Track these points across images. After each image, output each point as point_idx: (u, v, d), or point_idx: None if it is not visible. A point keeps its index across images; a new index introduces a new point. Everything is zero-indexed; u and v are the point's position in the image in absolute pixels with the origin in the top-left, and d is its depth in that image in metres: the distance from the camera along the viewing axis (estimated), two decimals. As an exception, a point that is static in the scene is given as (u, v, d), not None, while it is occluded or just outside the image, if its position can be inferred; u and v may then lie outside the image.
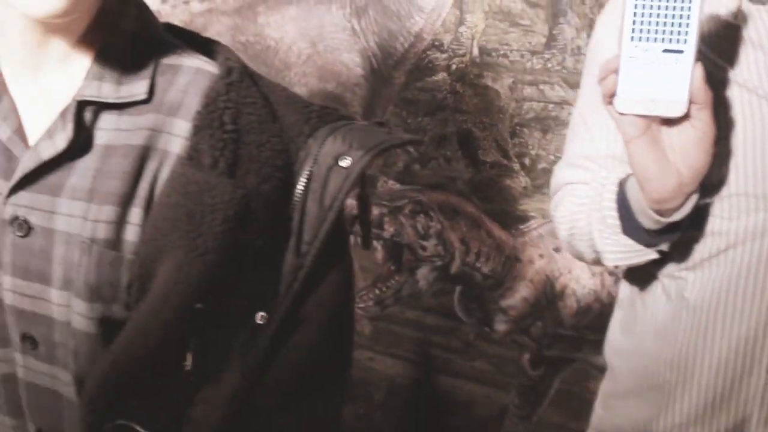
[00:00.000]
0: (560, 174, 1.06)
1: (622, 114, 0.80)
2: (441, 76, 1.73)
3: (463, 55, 1.70)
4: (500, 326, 1.84)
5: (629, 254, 0.93)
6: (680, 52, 0.78)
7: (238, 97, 0.70)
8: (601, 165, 0.99)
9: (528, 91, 1.68)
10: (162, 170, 0.71)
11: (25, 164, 0.71)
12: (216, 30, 1.89)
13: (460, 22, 1.69)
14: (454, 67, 1.71)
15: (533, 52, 1.65)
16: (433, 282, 1.86)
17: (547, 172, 1.71)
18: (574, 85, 1.65)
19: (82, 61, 0.73)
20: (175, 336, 0.69)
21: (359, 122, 0.75)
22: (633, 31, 0.78)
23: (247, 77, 0.73)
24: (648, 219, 0.87)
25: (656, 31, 0.78)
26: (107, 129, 0.72)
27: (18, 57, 0.73)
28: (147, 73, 0.72)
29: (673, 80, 0.78)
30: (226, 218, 0.67)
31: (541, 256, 1.78)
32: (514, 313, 1.82)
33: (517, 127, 1.70)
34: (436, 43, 1.71)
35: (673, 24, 0.77)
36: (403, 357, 1.96)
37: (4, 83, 0.74)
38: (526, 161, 1.71)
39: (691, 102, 0.79)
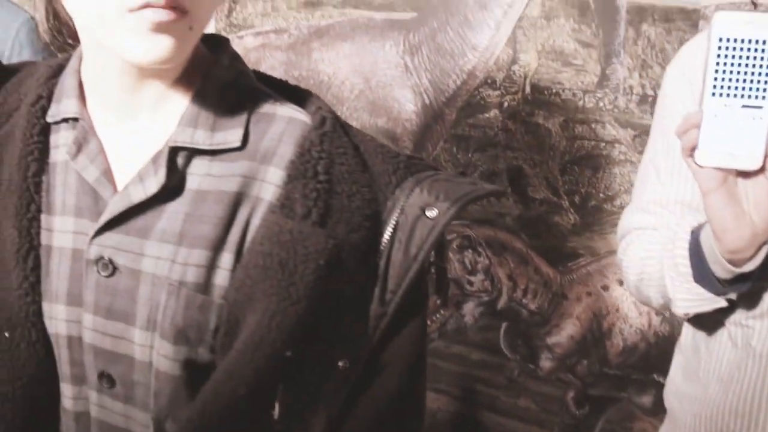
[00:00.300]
0: (629, 219, 1.08)
1: (701, 167, 0.82)
2: (493, 113, 1.75)
3: (516, 93, 1.72)
4: (545, 363, 1.83)
5: (700, 302, 0.93)
6: (759, 108, 0.81)
7: (331, 147, 0.71)
8: (670, 211, 1.00)
9: (579, 129, 1.69)
10: (254, 216, 0.71)
11: (115, 206, 0.72)
12: (269, 65, 1.92)
13: (513, 60, 1.71)
14: (506, 104, 1.73)
15: (585, 91, 1.67)
16: (479, 317, 1.86)
17: (597, 210, 1.71)
18: (626, 125, 1.66)
19: (175, 107, 0.74)
20: (265, 384, 0.69)
21: (444, 173, 0.76)
22: (714, 87, 0.82)
23: (339, 127, 0.74)
24: (721, 268, 0.88)
25: (737, 88, 0.81)
26: (198, 174, 0.72)
27: (111, 100, 0.74)
28: (241, 121, 0.73)
29: (751, 135, 0.81)
30: (318, 267, 0.68)
31: (588, 294, 1.78)
32: (560, 350, 1.82)
33: (568, 165, 1.71)
34: (489, 81, 1.73)
35: (752, 81, 0.81)
36: (446, 391, 1.96)
37: (93, 125, 0.75)
38: (576, 199, 1.72)
39: (766, 156, 0.81)
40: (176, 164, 0.72)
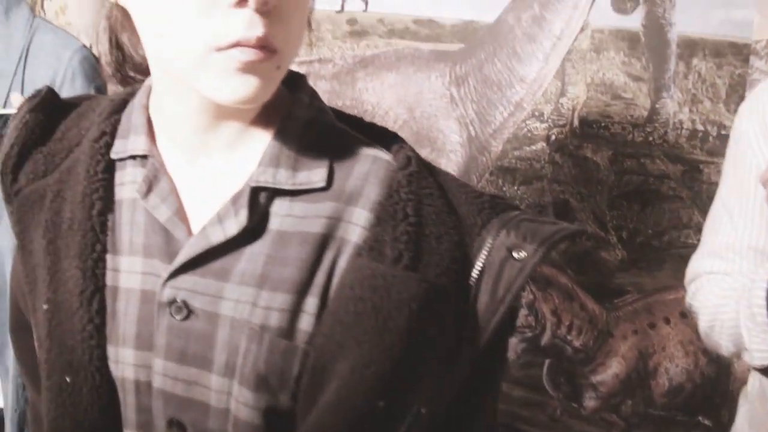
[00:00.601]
0: (699, 263, 1.07)
1: None
2: (540, 145, 1.73)
3: (564, 126, 1.70)
4: (589, 402, 1.79)
5: (778, 353, 0.91)
6: None
7: (418, 188, 0.69)
8: (744, 257, 0.99)
9: (628, 163, 1.67)
10: (340, 259, 0.68)
11: (192, 248, 0.69)
12: (313, 93, 1.92)
13: (562, 93, 1.70)
14: (553, 137, 1.72)
15: (635, 125, 1.65)
16: (521, 353, 1.82)
17: (644, 246, 1.69)
18: (675, 160, 1.64)
19: (253, 145, 0.71)
20: None
21: (527, 212, 0.74)
22: None
23: (423, 167, 0.72)
24: None
25: None
26: (280, 214, 0.70)
27: (183, 138, 0.72)
28: (323, 160, 0.71)
29: None
30: (411, 313, 0.65)
31: (634, 331, 1.74)
32: (605, 389, 1.77)
33: (616, 200, 1.69)
34: (536, 113, 1.72)
35: None
36: (485, 429, 1.91)
37: (163, 163, 0.73)
38: (624, 234, 1.69)
39: None
40: (257, 205, 0.69)
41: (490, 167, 1.78)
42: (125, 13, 0.72)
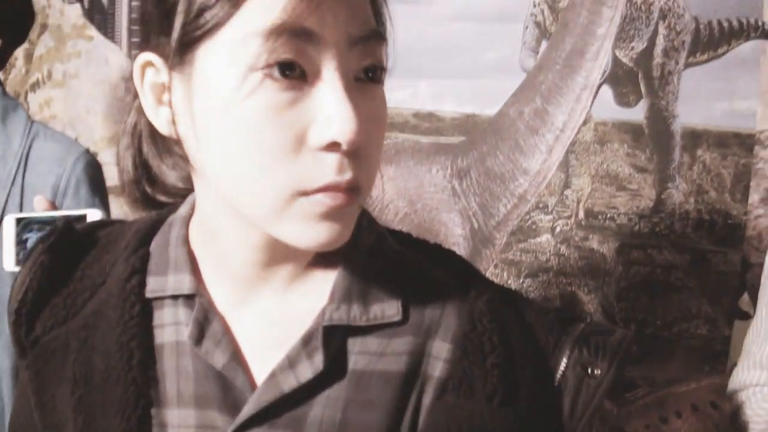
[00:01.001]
0: (746, 374, 1.07)
1: None
2: (545, 237, 1.71)
3: (569, 218, 1.69)
4: (603, 502, 1.72)
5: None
6: None
7: (500, 315, 0.65)
8: None
9: (635, 254, 1.65)
10: (425, 397, 0.63)
11: (261, 398, 0.62)
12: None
13: (566, 185, 1.69)
14: (558, 229, 1.70)
15: (641, 216, 1.64)
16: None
17: (654, 338, 1.65)
18: (682, 250, 1.62)
19: (317, 280, 0.66)
20: None
21: (590, 323, 0.70)
22: None
23: (495, 290, 0.68)
24: None
25: None
26: (354, 353, 0.64)
27: (237, 276, 0.66)
28: (395, 291, 0.65)
29: None
30: None
31: (647, 426, 1.69)
32: (619, 488, 1.71)
33: (624, 291, 1.66)
34: (540, 205, 1.70)
35: None
36: None
37: (212, 303, 0.66)
38: (633, 326, 1.66)
39: None
40: (331, 345, 0.63)
41: (495, 260, 1.75)
42: (154, 129, 0.66)
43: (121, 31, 2.31)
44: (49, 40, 2.50)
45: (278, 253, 0.64)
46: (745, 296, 1.62)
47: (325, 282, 0.65)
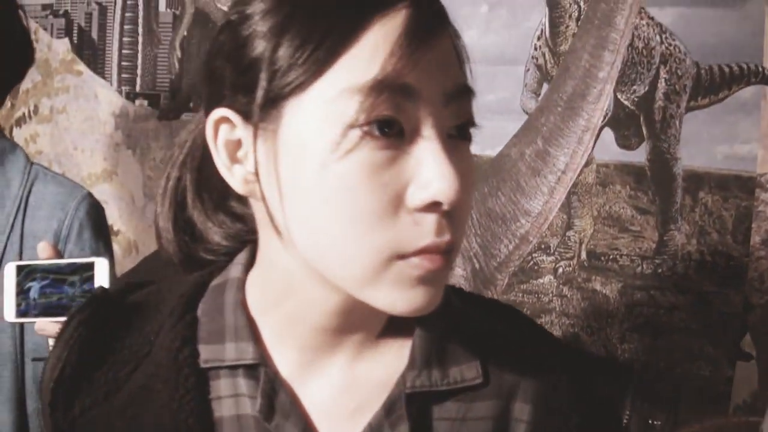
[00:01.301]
0: None
1: None
2: (547, 278, 1.71)
3: (571, 259, 1.69)
4: None
5: None
6: None
7: (576, 373, 0.64)
8: None
9: (638, 296, 1.65)
10: None
11: None
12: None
13: (568, 226, 1.69)
14: (560, 270, 1.70)
15: (643, 257, 1.64)
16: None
17: (658, 379, 1.65)
18: (685, 291, 1.63)
19: (388, 346, 0.64)
20: None
21: (635, 371, 0.70)
22: None
23: (564, 346, 0.68)
24: None
25: None
26: (436, 420, 0.62)
27: (308, 343, 0.62)
28: (471, 351, 0.63)
29: None
30: None
31: (650, 468, 1.69)
32: None
33: (627, 333, 1.66)
34: (542, 246, 1.70)
35: None
36: None
37: (278, 372, 0.62)
38: (636, 367, 1.66)
39: None
40: (413, 412, 0.61)
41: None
42: (201, 186, 0.64)
43: (112, 67, 2.29)
44: (35, 75, 2.46)
45: (353, 319, 0.62)
46: (747, 337, 1.62)
47: (397, 347, 0.63)
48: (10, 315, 1.07)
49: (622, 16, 1.62)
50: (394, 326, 0.64)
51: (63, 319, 1.04)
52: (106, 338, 0.66)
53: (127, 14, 2.19)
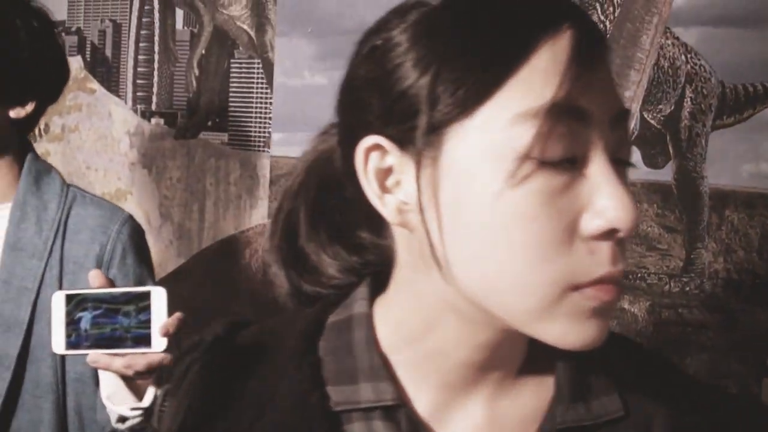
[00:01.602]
0: None
1: None
2: (575, 297, 1.71)
3: (598, 278, 1.69)
4: None
5: None
6: None
7: (702, 402, 0.64)
8: None
9: (666, 314, 1.66)
10: None
11: None
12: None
13: (596, 244, 1.69)
14: (588, 288, 1.70)
15: (671, 276, 1.65)
16: None
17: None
18: (712, 309, 1.64)
19: (528, 381, 0.62)
20: None
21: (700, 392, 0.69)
22: None
23: (684, 374, 0.68)
24: None
25: None
26: None
27: (448, 381, 0.60)
28: (609, 383, 0.61)
29: None
30: None
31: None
32: None
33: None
34: (570, 265, 1.71)
35: None
36: None
37: (417, 412, 0.59)
38: (664, 386, 1.66)
39: None
40: None
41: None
42: (316, 217, 0.63)
43: (127, 85, 2.28)
44: (46, 93, 2.44)
45: (499, 354, 0.59)
46: (774, 354, 1.63)
47: (536, 381, 0.61)
48: (59, 347, 1.02)
49: (648, 36, 1.63)
50: (530, 360, 0.62)
51: (119, 351, 1.00)
52: (225, 383, 0.62)
53: (143, 32, 2.19)
